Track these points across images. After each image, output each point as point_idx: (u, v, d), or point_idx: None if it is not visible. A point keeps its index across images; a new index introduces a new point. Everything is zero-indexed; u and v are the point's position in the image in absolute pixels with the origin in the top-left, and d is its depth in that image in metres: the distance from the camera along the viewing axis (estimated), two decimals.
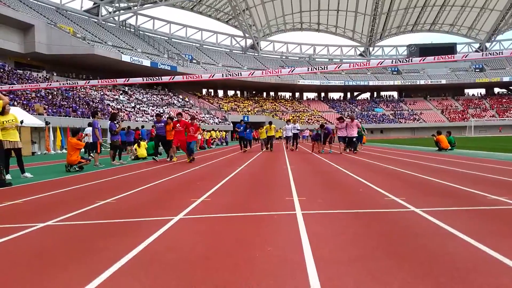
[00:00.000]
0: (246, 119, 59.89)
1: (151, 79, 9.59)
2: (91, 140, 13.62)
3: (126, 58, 47.53)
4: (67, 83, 10.25)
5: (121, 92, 48.50)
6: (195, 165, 11.20)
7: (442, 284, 2.13)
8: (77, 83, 10.02)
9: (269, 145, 19.52)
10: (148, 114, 44.63)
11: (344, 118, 16.76)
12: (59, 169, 10.64)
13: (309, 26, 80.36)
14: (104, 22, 59.01)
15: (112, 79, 9.71)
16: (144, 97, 51.08)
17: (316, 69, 9.30)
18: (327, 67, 9.63)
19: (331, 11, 74.52)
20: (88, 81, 9.07)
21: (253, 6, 69.47)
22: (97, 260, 2.69)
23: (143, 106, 47.05)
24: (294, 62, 79.38)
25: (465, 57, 8.33)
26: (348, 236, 3.17)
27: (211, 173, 8.72)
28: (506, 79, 71.92)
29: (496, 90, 79.05)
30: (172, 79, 10.53)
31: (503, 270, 2.32)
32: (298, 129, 20.34)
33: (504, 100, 74.40)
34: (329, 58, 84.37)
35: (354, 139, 16.05)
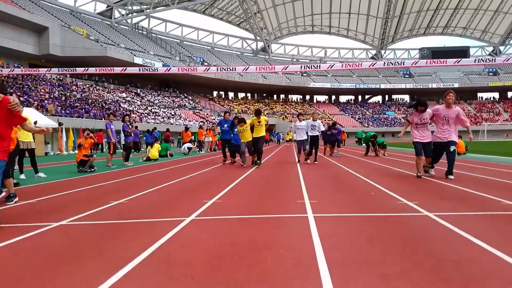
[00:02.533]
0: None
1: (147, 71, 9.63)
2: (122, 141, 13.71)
3: (138, 60, 47.92)
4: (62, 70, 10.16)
5: (133, 94, 48.92)
6: (206, 166, 11.24)
7: None
8: (75, 70, 10.18)
9: (255, 156, 11.14)
10: (160, 116, 44.91)
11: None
12: (71, 169, 10.77)
13: (321, 29, 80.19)
14: (117, 25, 59.62)
15: (103, 68, 9.95)
16: (156, 99, 51.44)
17: (309, 68, 11.69)
18: (332, 66, 9.80)
19: (343, 14, 74.25)
20: (86, 68, 9.41)
21: (264, 9, 69.59)
22: (111, 259, 2.72)
23: (155, 108, 47.38)
24: (304, 64, 79.18)
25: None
26: (360, 240, 3.16)
27: (222, 175, 8.74)
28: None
29: (510, 94, 77.89)
30: (167, 71, 11.92)
31: None
32: (320, 130, 12.33)
33: None
34: (340, 61, 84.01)
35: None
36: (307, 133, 11.93)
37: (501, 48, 79.01)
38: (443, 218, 3.84)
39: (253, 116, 11.79)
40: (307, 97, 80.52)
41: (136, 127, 19.05)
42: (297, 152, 12.45)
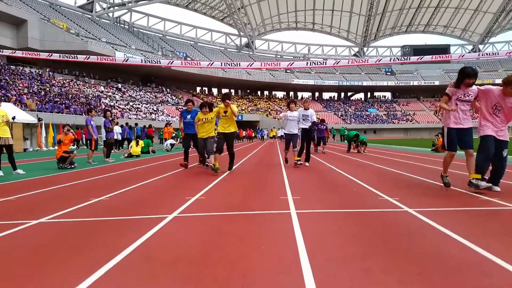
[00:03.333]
0: (240, 117, 59.83)
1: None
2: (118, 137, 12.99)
3: (120, 55, 47.24)
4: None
5: (114, 89, 48.22)
6: (189, 163, 11.17)
7: (436, 283, 2.15)
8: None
9: (228, 159, 8.76)
10: (141, 111, 44.43)
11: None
12: (51, 166, 10.56)
13: (304, 25, 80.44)
14: (98, 18, 58.60)
15: (105, 58, 9.84)
16: (137, 95, 50.84)
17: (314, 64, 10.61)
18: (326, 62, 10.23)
19: (326, 11, 74.64)
20: (87, 56, 9.64)
21: (248, 5, 69.38)
22: (92, 257, 2.68)
23: (137, 104, 46.84)
24: (289, 61, 79.35)
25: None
26: (342, 235, 3.19)
27: (205, 172, 8.70)
28: (498, 81, 72.33)
29: None
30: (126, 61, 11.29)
31: (495, 270, 2.35)
32: (313, 122, 9.82)
33: None
34: (323, 57, 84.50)
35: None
36: (297, 124, 9.68)
37: (480, 46, 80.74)
38: (423, 214, 3.91)
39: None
40: (291, 93, 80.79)
41: (117, 123, 18.80)
42: (284, 149, 10.16)
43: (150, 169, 9.48)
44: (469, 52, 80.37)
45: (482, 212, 4.08)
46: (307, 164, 9.78)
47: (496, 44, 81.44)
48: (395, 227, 3.47)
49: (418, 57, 8.73)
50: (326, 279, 2.23)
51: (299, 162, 9.62)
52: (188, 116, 9.83)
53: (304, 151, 9.81)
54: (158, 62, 10.88)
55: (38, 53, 9.29)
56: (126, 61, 10.60)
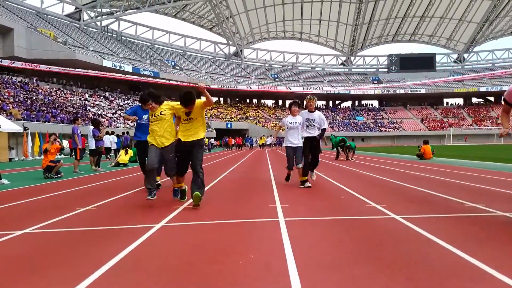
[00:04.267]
0: (229, 126, 59.86)
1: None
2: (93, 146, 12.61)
3: (107, 63, 47.02)
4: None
5: (102, 97, 47.88)
6: None
7: None
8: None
9: (177, 179, 5.53)
10: (129, 120, 44.15)
11: None
12: (37, 175, 10.41)
13: (292, 34, 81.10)
14: (85, 27, 58.31)
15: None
16: (125, 103, 50.53)
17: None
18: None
19: (314, 20, 75.40)
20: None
21: (236, 14, 69.77)
22: (78, 267, 2.64)
23: (124, 112, 46.52)
24: (277, 70, 79.82)
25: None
26: (330, 242, 3.20)
27: None
28: (483, 89, 73.88)
29: (474, 100, 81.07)
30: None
31: (480, 275, 2.38)
32: (323, 129, 7.31)
33: (481, 110, 76.37)
34: (311, 66, 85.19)
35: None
36: (300, 131, 7.22)
37: (465, 55, 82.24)
38: (410, 221, 3.95)
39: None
40: (280, 102, 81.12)
41: (108, 132, 18.66)
42: (286, 166, 7.48)
43: (139, 178, 9.40)
44: (454, 61, 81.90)
45: (467, 218, 4.13)
46: (313, 177, 7.76)
47: (480, 53, 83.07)
48: (382, 233, 3.50)
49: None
50: (314, 286, 2.24)
51: (306, 185, 6.93)
52: (145, 117, 6.98)
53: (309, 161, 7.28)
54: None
55: (25, 63, 9.01)
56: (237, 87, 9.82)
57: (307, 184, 7.03)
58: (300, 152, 7.12)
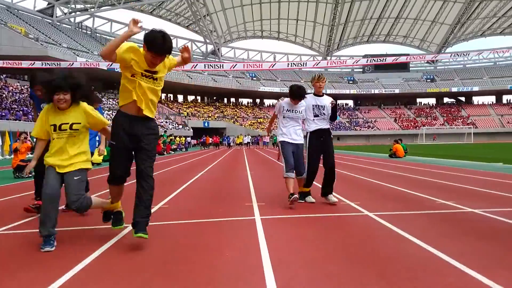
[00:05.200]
0: (206, 125, 59.57)
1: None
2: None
3: (81, 60, 45.96)
4: None
5: None
6: (154, 170, 10.96)
7: (394, 284, 2.22)
8: None
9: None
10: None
11: None
12: (7, 175, 10.08)
13: (270, 34, 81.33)
14: (58, 23, 56.77)
15: None
16: None
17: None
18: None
19: (291, 20, 75.79)
20: None
21: (214, 12, 69.40)
22: (48, 269, 2.58)
23: None
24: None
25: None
26: (304, 240, 3.23)
27: (169, 179, 8.58)
28: (454, 89, 75.97)
29: (446, 99, 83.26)
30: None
31: (449, 270, 2.45)
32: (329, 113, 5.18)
33: (453, 110, 78.52)
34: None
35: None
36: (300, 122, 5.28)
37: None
38: (383, 218, 4.03)
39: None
40: (257, 101, 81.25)
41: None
42: (284, 172, 4.97)
43: None
44: (427, 62, 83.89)
45: (438, 215, 4.25)
46: (334, 199, 5.01)
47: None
48: (356, 230, 3.55)
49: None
50: (288, 283, 2.25)
51: (309, 199, 5.12)
52: (43, 105, 4.08)
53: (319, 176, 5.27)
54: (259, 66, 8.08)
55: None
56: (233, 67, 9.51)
57: (311, 198, 5.11)
58: (301, 151, 5.17)
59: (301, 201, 5.10)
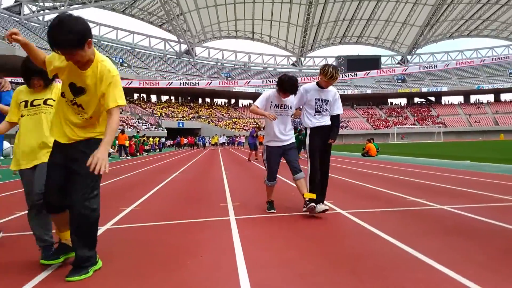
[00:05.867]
0: (181, 125, 59.01)
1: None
2: None
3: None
4: None
5: None
6: (127, 172, 10.79)
7: (366, 282, 2.25)
8: None
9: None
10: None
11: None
12: None
13: (244, 34, 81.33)
14: (26, 22, 55.00)
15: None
16: None
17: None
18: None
19: (265, 21, 76.02)
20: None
21: (187, 12, 68.81)
22: (18, 273, 2.48)
23: None
24: (229, 69, 79.74)
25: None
26: (278, 239, 3.24)
27: (142, 181, 8.44)
28: (424, 89, 78.07)
29: (416, 99, 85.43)
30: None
31: (419, 266, 2.50)
32: (336, 116, 4.53)
33: (423, 109, 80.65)
34: (263, 66, 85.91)
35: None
36: (295, 127, 4.88)
37: (409, 57, 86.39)
38: (355, 215, 4.08)
39: None
40: (233, 101, 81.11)
41: None
42: (265, 179, 4.60)
43: None
44: (398, 63, 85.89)
45: (409, 212, 4.34)
46: (324, 207, 4.14)
47: (422, 55, 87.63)
48: (329, 228, 3.59)
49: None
50: (262, 283, 2.25)
51: (320, 208, 4.08)
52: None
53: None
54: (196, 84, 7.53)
55: (157, 82, 7.82)
56: (170, 84, 9.09)
57: (322, 206, 4.09)
58: (295, 152, 4.55)
59: (311, 211, 4.06)
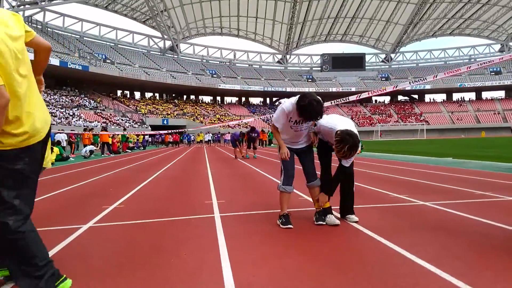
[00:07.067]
0: (165, 122, 58.58)
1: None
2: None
3: (31, 56, 43.64)
4: None
5: None
6: (110, 170, 10.65)
7: (349, 277, 2.27)
8: None
9: None
10: (56, 116, 41.51)
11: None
12: None
13: (229, 31, 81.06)
14: None
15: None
16: (52, 98, 47.47)
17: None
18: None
19: (250, 17, 75.89)
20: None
21: (171, 8, 68.19)
22: None
23: (50, 108, 43.70)
24: (215, 66, 79.40)
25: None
26: (263, 236, 3.24)
27: (125, 179, 8.34)
28: (408, 87, 79.12)
29: (400, 97, 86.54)
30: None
31: (401, 261, 2.54)
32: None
33: (406, 107, 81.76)
34: (249, 63, 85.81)
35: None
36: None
37: (392, 55, 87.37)
38: (338, 211, 4.11)
39: None
40: (218, 98, 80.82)
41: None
42: (282, 183, 3.79)
43: (68, 176, 8.86)
44: (382, 61, 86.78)
45: (392, 208, 4.40)
46: (354, 217, 3.80)
47: (406, 53, 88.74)
48: (313, 225, 3.60)
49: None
50: (246, 279, 2.24)
51: (331, 221, 3.65)
52: None
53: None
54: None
55: None
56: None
57: (332, 218, 3.68)
58: (311, 156, 4.01)
59: (321, 222, 3.66)
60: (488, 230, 3.27)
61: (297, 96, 3.51)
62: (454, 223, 3.56)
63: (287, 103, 3.60)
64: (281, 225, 3.54)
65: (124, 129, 35.47)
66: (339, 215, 3.91)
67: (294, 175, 3.77)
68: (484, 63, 6.09)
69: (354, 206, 3.89)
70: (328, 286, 2.13)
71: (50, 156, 2.93)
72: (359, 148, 3.42)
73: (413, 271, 2.33)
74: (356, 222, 3.67)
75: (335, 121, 3.72)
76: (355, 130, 3.53)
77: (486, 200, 4.70)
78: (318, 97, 3.44)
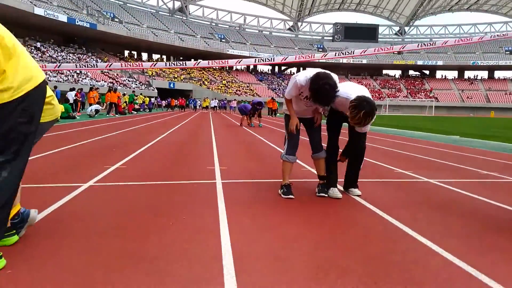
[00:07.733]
0: (172, 86, 58.20)
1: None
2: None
3: (39, 11, 43.01)
4: None
5: (33, 48, 44.18)
6: (115, 130, 10.63)
7: (348, 249, 2.24)
8: None
9: None
10: (63, 74, 41.29)
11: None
12: None
13: None
14: None
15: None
16: (59, 55, 47.08)
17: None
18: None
19: None
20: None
21: None
22: None
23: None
24: (224, 30, 77.95)
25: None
26: (263, 204, 3.21)
27: (129, 140, 8.33)
28: (420, 62, 77.60)
29: (411, 72, 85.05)
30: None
31: (403, 237, 2.50)
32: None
33: (416, 83, 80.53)
34: (259, 29, 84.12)
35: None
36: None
37: (406, 28, 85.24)
38: (340, 184, 4.06)
39: None
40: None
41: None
42: (285, 152, 3.69)
43: (73, 134, 8.86)
44: (395, 34, 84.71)
45: (395, 183, 4.35)
46: (357, 191, 3.72)
47: (420, 27, 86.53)
48: (314, 197, 3.56)
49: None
50: (242, 247, 2.22)
51: (334, 194, 3.55)
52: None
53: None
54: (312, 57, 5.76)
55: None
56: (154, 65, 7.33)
57: (335, 191, 3.59)
58: (319, 127, 3.82)
59: (323, 194, 3.57)
60: (492, 211, 3.22)
61: (312, 73, 3.30)
62: (457, 202, 3.50)
63: (301, 76, 3.37)
64: (282, 195, 3.51)
65: (133, 91, 35.33)
66: (342, 188, 3.84)
67: (298, 145, 3.66)
68: (498, 35, 5.86)
69: (358, 180, 3.82)
70: (325, 257, 2.10)
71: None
72: (374, 117, 3.28)
73: (413, 247, 2.30)
74: (358, 196, 3.63)
75: (350, 89, 3.46)
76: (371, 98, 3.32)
77: (491, 181, 4.63)
78: (333, 78, 3.23)
